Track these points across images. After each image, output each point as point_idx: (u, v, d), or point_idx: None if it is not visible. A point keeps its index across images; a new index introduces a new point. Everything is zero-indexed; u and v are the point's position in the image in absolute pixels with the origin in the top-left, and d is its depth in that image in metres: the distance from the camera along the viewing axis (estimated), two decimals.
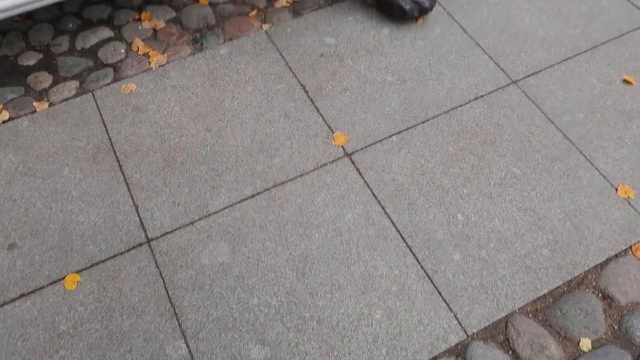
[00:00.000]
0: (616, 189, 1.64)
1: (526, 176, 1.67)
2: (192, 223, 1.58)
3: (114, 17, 2.09)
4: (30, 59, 1.97)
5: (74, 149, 1.74)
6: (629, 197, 1.63)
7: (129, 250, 1.53)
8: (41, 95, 1.88)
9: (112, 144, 1.75)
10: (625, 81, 1.89)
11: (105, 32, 2.05)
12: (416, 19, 2.05)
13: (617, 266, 1.51)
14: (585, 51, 1.97)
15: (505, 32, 2.03)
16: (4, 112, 1.83)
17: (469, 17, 2.07)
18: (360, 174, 1.68)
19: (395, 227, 1.57)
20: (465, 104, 1.83)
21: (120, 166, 1.70)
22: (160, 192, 1.64)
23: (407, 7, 1.97)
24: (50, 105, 1.85)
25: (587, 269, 1.51)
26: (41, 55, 1.98)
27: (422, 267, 1.50)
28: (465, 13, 2.08)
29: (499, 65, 1.93)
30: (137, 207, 1.61)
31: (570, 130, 1.77)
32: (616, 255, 1.53)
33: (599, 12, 2.09)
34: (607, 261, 1.52)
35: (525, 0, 2.12)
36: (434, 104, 1.83)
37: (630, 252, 1.53)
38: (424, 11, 2.00)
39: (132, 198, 1.63)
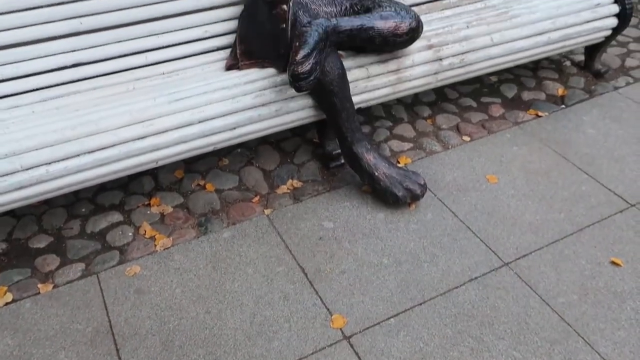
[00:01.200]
0: None
1: None
2: None
3: (125, 202, 2.23)
4: (41, 242, 2.06)
5: (73, 332, 1.74)
6: None
7: None
8: (47, 277, 1.93)
9: (111, 327, 1.75)
10: (614, 263, 1.96)
11: (116, 217, 2.16)
12: (409, 204, 2.18)
13: None
14: (572, 234, 2.07)
15: (494, 217, 2.15)
16: (7, 294, 1.87)
17: (458, 203, 2.20)
18: (359, 358, 1.66)
19: None
20: (461, 285, 1.88)
21: (118, 350, 1.69)
22: None
23: (400, 194, 2.12)
24: (54, 287, 1.89)
25: None
26: (52, 239, 2.08)
27: None
28: (455, 199, 2.22)
29: (490, 248, 2.02)
30: None
31: (565, 312, 1.79)
32: None
33: (580, 197, 2.23)
34: None
35: (510, 187, 2.28)
36: (429, 286, 1.88)
37: None
38: (415, 197, 2.14)
39: None
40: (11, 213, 2.17)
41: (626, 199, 2.22)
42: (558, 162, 2.41)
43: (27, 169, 1.78)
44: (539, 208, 2.18)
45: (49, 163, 1.81)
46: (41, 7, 2.08)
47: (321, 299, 1.84)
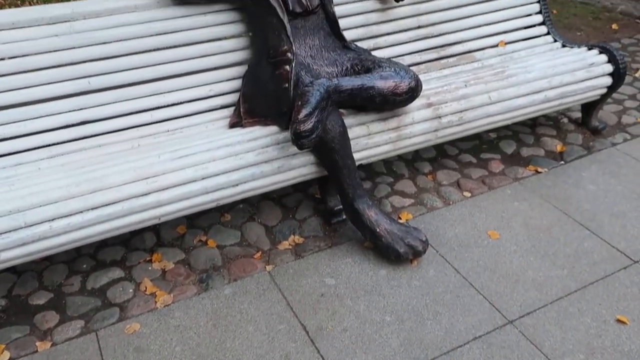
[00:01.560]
0: None
1: None
2: None
3: (126, 258, 2.23)
4: (40, 299, 2.04)
5: None
6: None
7: None
8: (45, 334, 1.91)
9: None
10: (619, 321, 1.93)
11: (117, 273, 2.15)
12: (411, 261, 2.18)
13: None
14: (575, 291, 2.05)
15: (497, 273, 2.13)
16: (5, 352, 1.84)
17: (460, 259, 2.20)
18: None
19: None
20: (465, 344, 1.85)
21: None
22: None
23: (402, 250, 2.12)
24: (52, 345, 1.87)
25: None
26: (52, 295, 2.06)
27: None
28: (457, 255, 2.22)
29: (493, 305, 1.99)
30: None
31: None
32: None
33: (583, 254, 2.23)
34: None
35: (512, 243, 2.28)
36: (433, 344, 1.85)
37: None
38: (417, 254, 2.14)
39: None
40: (12, 269, 2.16)
41: (629, 256, 2.21)
42: (559, 218, 2.41)
43: (31, 226, 1.79)
44: (541, 264, 2.17)
45: (52, 219, 1.82)
46: (51, 67, 2.15)
47: (323, 358, 1.81)
